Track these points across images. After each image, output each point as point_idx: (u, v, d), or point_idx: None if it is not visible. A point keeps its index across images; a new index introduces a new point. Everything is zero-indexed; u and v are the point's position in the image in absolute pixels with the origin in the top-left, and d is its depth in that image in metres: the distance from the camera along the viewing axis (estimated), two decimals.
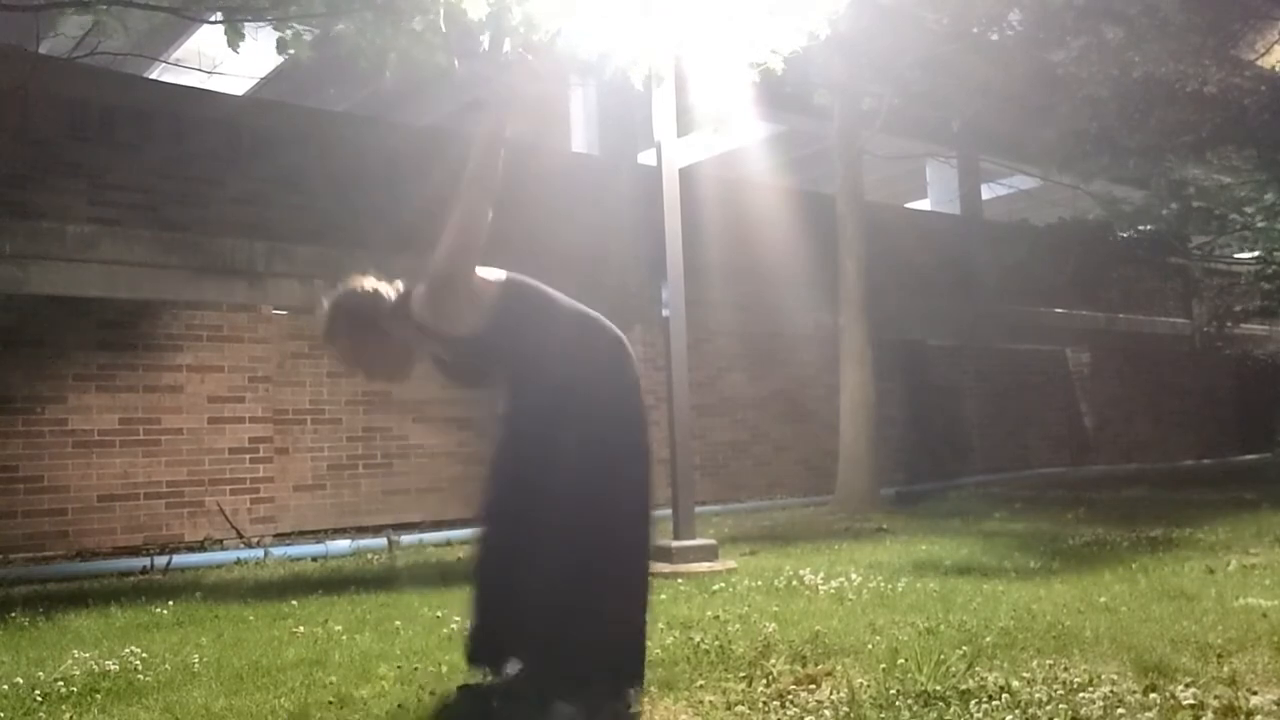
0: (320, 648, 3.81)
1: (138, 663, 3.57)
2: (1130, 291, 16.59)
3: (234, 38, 5.36)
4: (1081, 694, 2.71)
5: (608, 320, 2.82)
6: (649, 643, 2.90)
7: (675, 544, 5.73)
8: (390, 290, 2.77)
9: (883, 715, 2.62)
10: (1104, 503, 9.05)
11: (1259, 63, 12.18)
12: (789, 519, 8.99)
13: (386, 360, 2.86)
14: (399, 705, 2.87)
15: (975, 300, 14.56)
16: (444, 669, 3.27)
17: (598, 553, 2.63)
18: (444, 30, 5.03)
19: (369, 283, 2.77)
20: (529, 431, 2.72)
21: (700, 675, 3.08)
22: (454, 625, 4.03)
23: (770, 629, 3.66)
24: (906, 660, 3.08)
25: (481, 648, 2.80)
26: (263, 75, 11.34)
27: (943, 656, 3.09)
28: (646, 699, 2.83)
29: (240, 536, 7.62)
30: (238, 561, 6.85)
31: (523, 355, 2.74)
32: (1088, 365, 14.95)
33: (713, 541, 5.93)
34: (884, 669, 3.03)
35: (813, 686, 2.93)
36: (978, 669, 2.99)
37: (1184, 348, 17.84)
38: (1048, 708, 2.60)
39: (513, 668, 2.76)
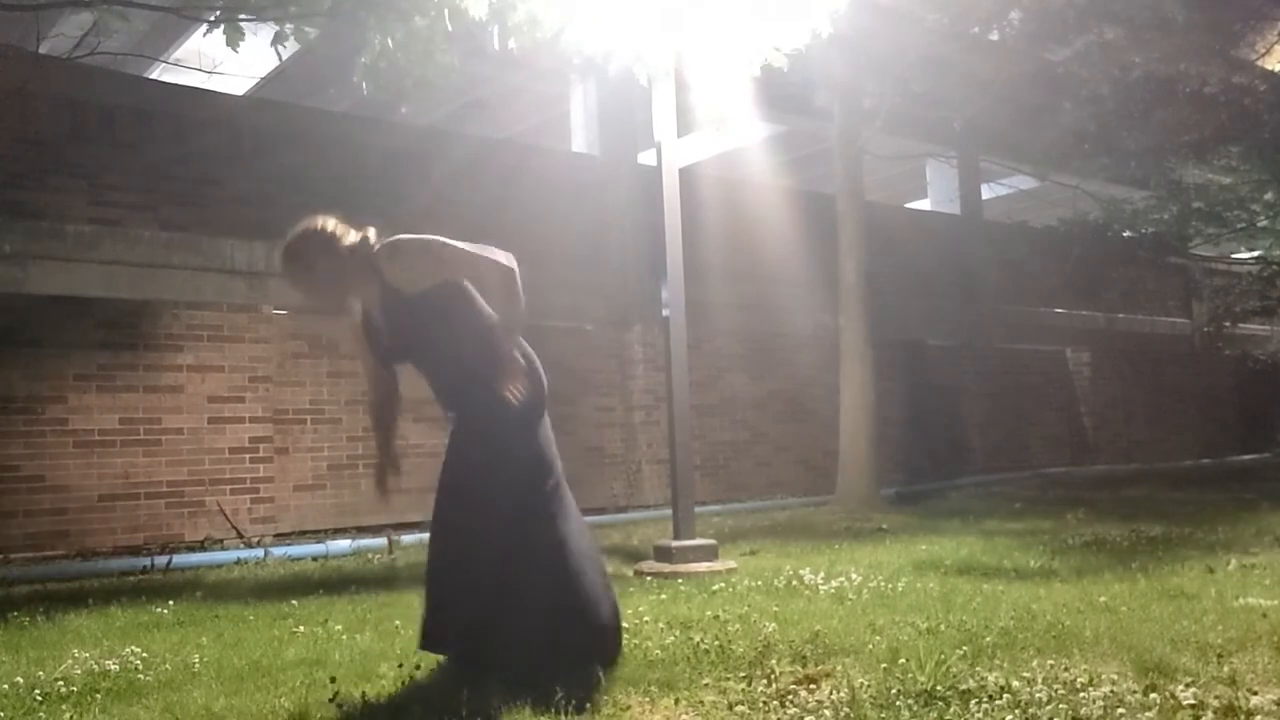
0: (320, 648, 3.81)
1: (138, 662, 3.57)
2: (1130, 291, 16.57)
3: (234, 37, 5.35)
4: (1082, 694, 2.71)
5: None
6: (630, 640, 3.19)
7: (675, 544, 5.73)
8: (353, 233, 3.08)
9: (883, 715, 2.62)
10: (1104, 503, 9.05)
11: (1259, 63, 12.18)
12: (789, 519, 8.99)
13: (321, 292, 3.13)
14: (399, 705, 2.87)
15: (975, 300, 14.56)
16: (445, 669, 3.26)
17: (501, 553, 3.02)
18: (450, 29, 5.03)
19: (330, 222, 3.10)
20: (465, 446, 3.11)
21: (700, 675, 3.08)
22: None
23: (770, 629, 3.66)
24: (907, 660, 3.08)
25: (431, 634, 3.16)
26: (263, 75, 11.34)
27: (943, 656, 3.09)
28: (647, 699, 2.83)
29: (240, 536, 7.62)
30: (238, 561, 6.85)
31: (452, 356, 3.07)
32: (1088, 365, 14.94)
33: (713, 541, 5.92)
34: (884, 669, 3.03)
35: (813, 686, 2.93)
36: (978, 669, 2.99)
37: (1184, 348, 17.82)
38: (1048, 708, 2.60)
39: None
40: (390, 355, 3.18)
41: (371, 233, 3.10)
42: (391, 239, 3.04)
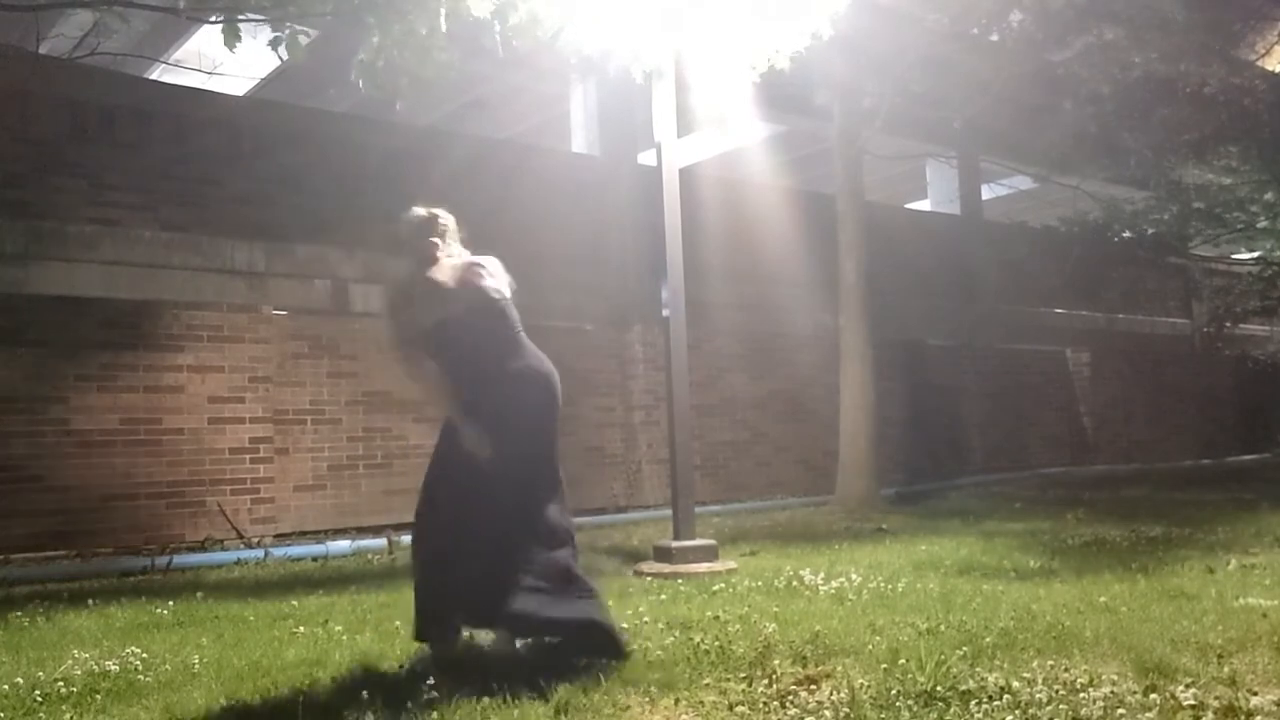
0: (320, 648, 3.81)
1: (138, 663, 3.57)
2: (1130, 292, 16.57)
3: (231, 38, 5.35)
4: (1082, 694, 2.71)
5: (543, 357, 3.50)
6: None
7: (675, 544, 5.73)
8: (453, 242, 3.57)
9: (883, 715, 2.62)
10: (1104, 503, 9.05)
11: (1259, 63, 12.19)
12: (789, 519, 8.99)
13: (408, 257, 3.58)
14: (399, 705, 2.87)
15: (975, 300, 14.56)
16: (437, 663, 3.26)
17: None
18: (444, 30, 5.03)
19: (452, 221, 3.61)
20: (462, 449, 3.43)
21: (701, 675, 3.08)
22: None
23: (770, 629, 3.66)
24: (907, 660, 3.08)
25: (428, 624, 3.42)
26: (263, 75, 11.34)
27: (943, 657, 3.10)
28: (647, 699, 2.84)
29: (241, 536, 7.62)
30: (238, 561, 6.85)
31: (476, 371, 3.42)
32: (1088, 365, 14.94)
33: (713, 542, 5.92)
34: (884, 669, 3.03)
35: (813, 687, 2.93)
36: (978, 669, 2.99)
37: (1184, 348, 17.82)
38: (1048, 708, 2.60)
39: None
40: (416, 341, 3.51)
41: (461, 255, 3.55)
42: (439, 287, 3.43)
